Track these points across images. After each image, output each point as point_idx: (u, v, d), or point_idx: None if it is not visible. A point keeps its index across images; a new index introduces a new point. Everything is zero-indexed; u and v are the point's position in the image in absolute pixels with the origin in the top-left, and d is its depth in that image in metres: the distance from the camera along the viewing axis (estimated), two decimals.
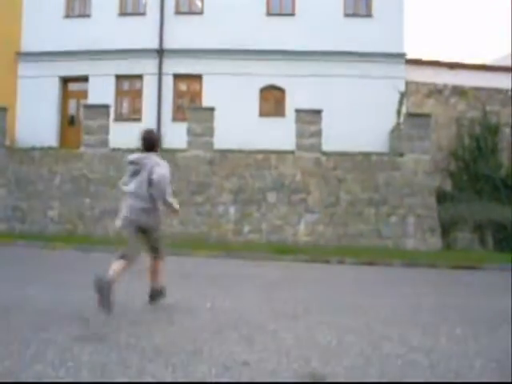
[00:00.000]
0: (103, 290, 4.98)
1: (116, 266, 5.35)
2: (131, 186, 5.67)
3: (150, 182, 5.55)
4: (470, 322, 5.23)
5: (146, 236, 5.73)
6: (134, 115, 21.69)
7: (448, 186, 20.04)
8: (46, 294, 5.98)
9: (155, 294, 5.75)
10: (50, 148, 18.33)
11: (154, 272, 5.87)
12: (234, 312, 5.30)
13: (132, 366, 3.23)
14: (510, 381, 2.71)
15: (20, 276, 7.70)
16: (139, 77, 21.61)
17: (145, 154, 5.80)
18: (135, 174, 5.70)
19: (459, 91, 21.41)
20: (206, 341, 4.00)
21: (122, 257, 5.47)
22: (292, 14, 21.38)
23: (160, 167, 5.65)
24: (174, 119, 21.16)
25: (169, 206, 5.77)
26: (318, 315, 5.36)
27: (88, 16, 21.94)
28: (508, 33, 57.07)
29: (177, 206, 5.99)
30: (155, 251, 5.88)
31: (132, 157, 5.87)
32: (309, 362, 3.49)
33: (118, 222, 5.81)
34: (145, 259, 5.76)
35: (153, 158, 5.71)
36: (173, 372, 3.16)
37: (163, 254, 5.96)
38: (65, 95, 22.35)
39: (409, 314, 5.63)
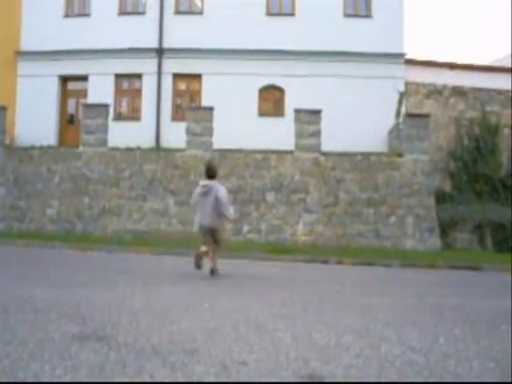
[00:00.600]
0: (198, 257, 8.63)
1: (208, 248, 8.87)
2: (203, 202, 8.97)
3: (216, 200, 8.79)
4: (468, 323, 5.23)
5: (213, 234, 9.04)
6: (134, 114, 21.72)
7: (447, 186, 20.06)
8: (44, 292, 5.98)
9: (214, 271, 8.98)
10: (49, 147, 18.35)
11: (214, 257, 9.07)
12: (233, 312, 5.29)
13: (130, 366, 3.23)
14: (510, 381, 2.70)
15: (18, 275, 7.69)
16: (138, 76, 21.63)
17: (211, 181, 9.08)
18: (205, 194, 8.93)
19: (459, 92, 21.41)
20: (204, 340, 3.99)
21: (215, 244, 9.08)
22: (292, 14, 21.41)
23: (221, 191, 8.95)
24: (174, 119, 21.19)
25: (226, 216, 9.13)
26: (316, 315, 5.36)
27: (88, 15, 21.97)
28: (508, 33, 57.12)
29: (231, 217, 9.99)
30: (218, 244, 9.18)
31: (203, 182, 9.19)
32: (307, 362, 3.49)
33: (196, 227, 9.97)
34: (207, 249, 8.88)
35: (216, 184, 9.06)
36: (171, 371, 3.15)
37: (222, 247, 9.50)
38: (64, 94, 22.36)
39: (407, 315, 5.63)
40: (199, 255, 8.62)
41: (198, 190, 9.12)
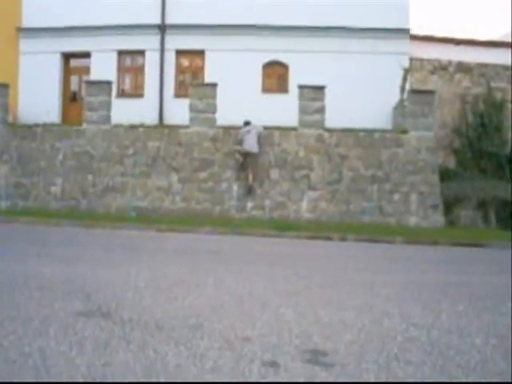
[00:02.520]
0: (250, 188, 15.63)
1: (250, 174, 15.71)
2: (248, 137, 15.80)
3: (258, 135, 16.04)
4: (471, 299, 5.25)
5: (255, 157, 15.67)
6: (137, 91, 21.66)
7: (451, 163, 20.03)
8: (49, 270, 6.01)
9: (250, 188, 15.39)
10: (52, 124, 18.32)
11: (253, 178, 15.28)
12: (236, 288, 5.32)
13: (134, 341, 3.26)
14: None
15: (23, 252, 7.74)
16: (141, 53, 21.53)
17: (249, 126, 16.18)
18: (249, 132, 15.93)
19: (464, 68, 21.25)
20: (208, 316, 4.02)
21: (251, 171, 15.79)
22: None
23: (259, 128, 16.20)
24: (177, 95, 21.12)
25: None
26: (319, 291, 5.39)
27: None
28: None
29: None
30: (254, 168, 15.73)
31: (245, 127, 16.11)
32: (310, 338, 3.51)
33: (245, 149, 15.89)
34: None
35: (253, 125, 16.12)
36: (175, 347, 3.18)
37: (257, 171, 15.67)
38: (67, 71, 22.29)
39: (410, 291, 5.65)
40: (246, 178, 15.78)
41: (243, 130, 16.06)
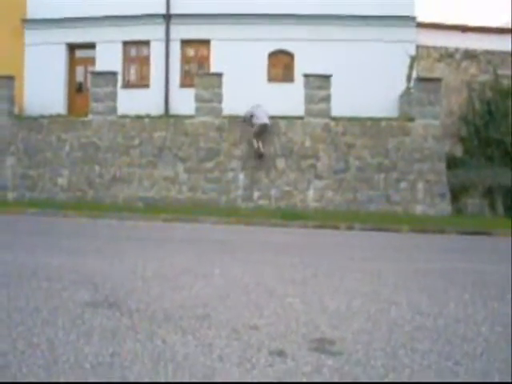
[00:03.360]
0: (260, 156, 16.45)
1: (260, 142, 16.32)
2: (259, 112, 16.51)
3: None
4: (478, 287, 5.25)
5: (266, 128, 16.38)
6: (142, 82, 21.65)
7: (458, 151, 19.94)
8: (57, 260, 6.05)
9: (262, 155, 16.27)
10: (58, 116, 18.34)
11: (263, 146, 16.16)
12: (243, 277, 5.33)
13: (142, 331, 3.28)
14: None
15: (31, 243, 7.78)
16: (146, 43, 21.51)
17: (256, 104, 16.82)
18: (258, 107, 16.58)
19: (471, 55, 21.11)
20: (215, 305, 4.04)
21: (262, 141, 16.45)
22: None
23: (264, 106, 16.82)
24: (182, 85, 21.11)
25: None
26: (326, 280, 5.40)
27: None
28: None
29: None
30: (265, 137, 16.36)
31: (254, 105, 16.68)
32: (317, 327, 3.53)
33: (260, 122, 16.35)
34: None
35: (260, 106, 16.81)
36: (182, 336, 3.20)
37: (267, 140, 16.41)
38: (72, 62, 22.29)
39: (417, 279, 5.65)
40: (258, 146, 16.33)
41: (253, 106, 16.65)
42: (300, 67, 19.66)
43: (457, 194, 17.06)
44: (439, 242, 10.77)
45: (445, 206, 16.26)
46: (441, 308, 4.24)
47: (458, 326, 3.66)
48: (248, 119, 16.62)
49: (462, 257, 8.30)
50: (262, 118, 16.47)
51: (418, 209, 16.21)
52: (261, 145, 16.52)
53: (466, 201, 17.40)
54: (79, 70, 22.48)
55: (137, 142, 16.96)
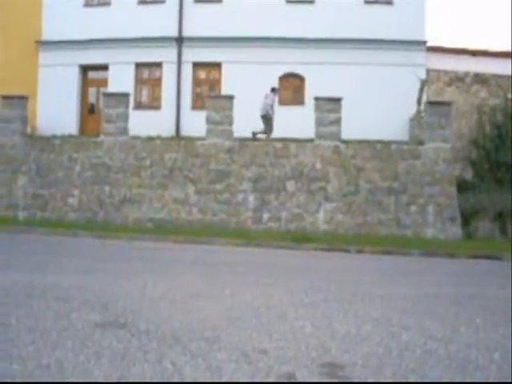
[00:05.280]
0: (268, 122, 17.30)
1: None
2: (264, 102, 17.63)
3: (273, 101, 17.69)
4: (489, 312, 5.20)
5: (267, 120, 17.70)
6: (154, 103, 21.81)
7: (469, 174, 19.87)
8: (66, 280, 6.05)
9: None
10: (70, 136, 18.48)
11: (267, 136, 17.74)
12: (253, 300, 5.31)
13: (152, 352, 3.27)
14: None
15: (41, 263, 7.80)
16: (159, 65, 21.71)
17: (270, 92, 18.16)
18: (266, 97, 17.73)
19: (481, 79, 21.13)
20: (224, 328, 4.02)
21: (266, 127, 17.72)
22: (311, 1, 21.35)
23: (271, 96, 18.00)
24: (194, 107, 21.23)
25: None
26: (336, 304, 5.36)
27: (108, 4, 22.05)
28: None
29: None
30: (270, 127, 17.69)
31: (265, 95, 17.76)
32: (327, 351, 3.50)
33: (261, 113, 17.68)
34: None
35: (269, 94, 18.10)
36: (192, 358, 3.18)
37: (271, 128, 17.71)
38: (85, 83, 22.51)
39: (427, 304, 5.61)
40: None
41: (263, 96, 17.66)
42: (311, 90, 19.74)
43: (467, 217, 16.97)
44: (449, 267, 10.69)
45: (455, 230, 16.16)
46: (452, 333, 4.20)
47: (469, 352, 3.62)
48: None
49: (472, 281, 8.23)
50: (263, 110, 17.68)
51: (429, 232, 16.12)
52: (266, 130, 17.81)
53: (476, 225, 17.30)
54: (92, 91, 22.70)
55: (148, 163, 17.04)
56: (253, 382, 2.73)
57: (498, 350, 3.69)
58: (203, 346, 3.47)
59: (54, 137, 18.03)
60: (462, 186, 17.84)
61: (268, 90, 18.12)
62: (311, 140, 16.87)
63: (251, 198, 16.54)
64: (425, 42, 20.79)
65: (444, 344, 3.82)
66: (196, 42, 21.21)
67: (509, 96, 20.88)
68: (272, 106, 17.83)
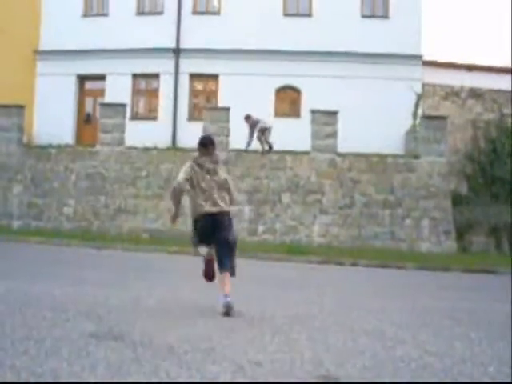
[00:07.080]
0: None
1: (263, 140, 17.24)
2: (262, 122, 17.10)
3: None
4: (484, 326, 5.21)
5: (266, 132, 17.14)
6: (150, 114, 21.84)
7: (463, 188, 19.94)
8: (60, 291, 6.03)
9: (270, 147, 16.75)
10: (66, 145, 18.48)
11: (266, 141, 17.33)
12: (248, 312, 5.31)
13: (146, 364, 3.26)
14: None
15: (35, 273, 7.77)
16: (156, 76, 21.75)
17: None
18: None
19: (476, 94, 21.26)
20: (219, 340, 4.01)
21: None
22: (309, 15, 21.44)
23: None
24: (190, 118, 21.26)
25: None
26: (331, 317, 5.36)
27: (106, 15, 22.13)
28: None
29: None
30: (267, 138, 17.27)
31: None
32: (322, 364, 3.49)
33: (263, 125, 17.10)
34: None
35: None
36: (186, 370, 3.17)
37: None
38: (82, 93, 22.54)
39: (422, 317, 5.61)
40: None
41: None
42: (307, 103, 19.81)
43: (462, 231, 17.00)
44: (444, 280, 10.69)
45: (450, 244, 16.19)
46: (447, 347, 4.20)
47: (464, 366, 3.62)
48: (254, 124, 17.17)
49: (466, 295, 8.24)
50: (265, 124, 17.17)
51: (423, 246, 16.14)
52: (265, 141, 17.23)
53: (471, 239, 17.34)
54: (88, 101, 22.72)
55: (144, 173, 17.04)
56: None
57: (492, 364, 3.70)
58: (198, 358, 3.46)
59: (50, 146, 18.02)
60: (457, 200, 17.88)
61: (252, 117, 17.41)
62: (307, 152, 16.91)
63: (246, 209, 16.54)
64: (421, 57, 20.91)
65: (439, 358, 3.82)
66: (193, 54, 21.28)
67: (504, 111, 21.00)
68: (254, 130, 17.22)
